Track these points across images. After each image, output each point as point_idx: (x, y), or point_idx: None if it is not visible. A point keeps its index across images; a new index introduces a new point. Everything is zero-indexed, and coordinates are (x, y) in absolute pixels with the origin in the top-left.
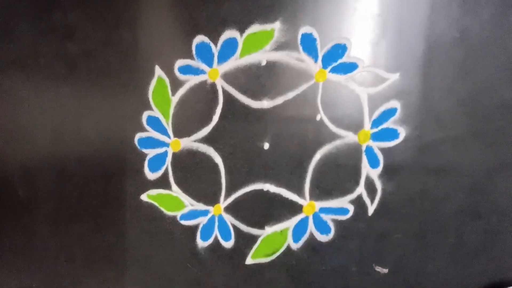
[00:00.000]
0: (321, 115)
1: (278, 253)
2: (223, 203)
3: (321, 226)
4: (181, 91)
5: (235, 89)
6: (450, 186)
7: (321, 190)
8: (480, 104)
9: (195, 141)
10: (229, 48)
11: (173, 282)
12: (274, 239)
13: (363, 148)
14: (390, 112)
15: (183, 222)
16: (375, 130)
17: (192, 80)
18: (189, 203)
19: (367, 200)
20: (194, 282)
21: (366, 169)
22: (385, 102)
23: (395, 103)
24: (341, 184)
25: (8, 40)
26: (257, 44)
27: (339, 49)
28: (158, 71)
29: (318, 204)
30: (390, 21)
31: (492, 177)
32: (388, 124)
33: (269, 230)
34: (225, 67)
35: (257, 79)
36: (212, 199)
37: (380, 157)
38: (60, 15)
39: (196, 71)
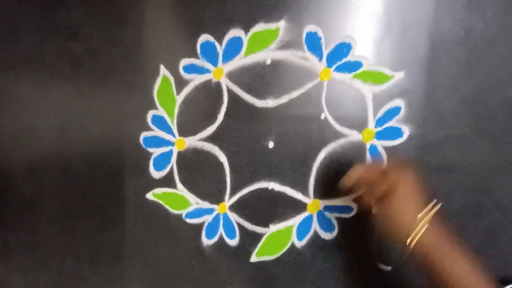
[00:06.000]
0: (325, 114)
1: (282, 251)
2: (228, 201)
3: (325, 224)
4: (186, 90)
5: (240, 88)
6: (454, 185)
7: (325, 189)
8: (484, 102)
9: (200, 140)
10: (234, 47)
11: (178, 279)
12: (279, 237)
13: (367, 146)
14: (395, 110)
15: (188, 221)
16: (379, 129)
17: (197, 79)
18: (194, 202)
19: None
20: (199, 280)
21: None
22: (390, 101)
23: (399, 102)
24: None
25: (12, 39)
26: (262, 43)
27: (344, 48)
28: (163, 70)
29: (322, 203)
30: (395, 19)
31: (496, 176)
32: (392, 123)
33: (273, 228)
34: (230, 66)
35: (262, 78)
36: (217, 198)
37: (384, 155)
38: (64, 13)
39: (201, 70)
